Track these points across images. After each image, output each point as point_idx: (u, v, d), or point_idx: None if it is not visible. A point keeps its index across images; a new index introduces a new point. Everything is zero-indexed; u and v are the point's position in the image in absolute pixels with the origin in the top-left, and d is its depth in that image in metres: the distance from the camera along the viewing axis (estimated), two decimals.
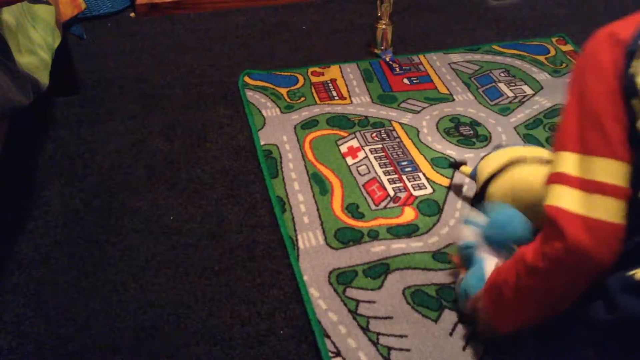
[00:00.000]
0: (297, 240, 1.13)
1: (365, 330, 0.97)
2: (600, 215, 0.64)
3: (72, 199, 1.23)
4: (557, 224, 0.65)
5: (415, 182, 1.27)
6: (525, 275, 0.74)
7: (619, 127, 0.65)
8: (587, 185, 0.65)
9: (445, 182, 1.27)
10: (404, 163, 1.32)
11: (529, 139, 1.40)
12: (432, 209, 1.20)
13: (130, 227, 1.16)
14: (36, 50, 1.12)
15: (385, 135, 1.41)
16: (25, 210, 1.20)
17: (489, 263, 0.91)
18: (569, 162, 0.67)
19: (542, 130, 1.43)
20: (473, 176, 1.18)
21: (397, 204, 1.21)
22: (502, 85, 1.60)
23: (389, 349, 0.94)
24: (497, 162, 1.09)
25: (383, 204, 1.21)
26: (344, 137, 1.40)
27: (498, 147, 1.17)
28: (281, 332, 0.97)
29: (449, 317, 0.99)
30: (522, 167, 1.05)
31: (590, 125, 0.67)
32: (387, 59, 1.70)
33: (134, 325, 0.98)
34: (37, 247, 1.12)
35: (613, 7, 2.03)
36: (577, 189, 0.66)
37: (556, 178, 0.68)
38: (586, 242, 0.64)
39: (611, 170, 0.65)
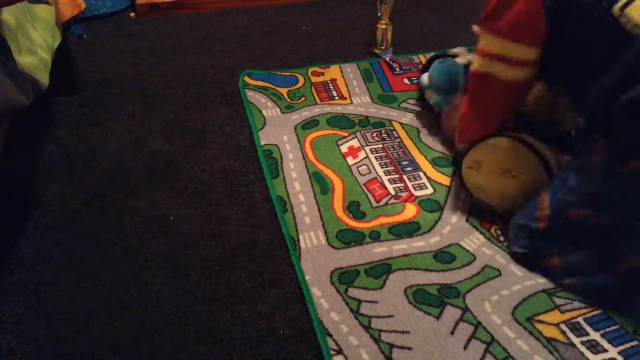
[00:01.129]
0: (298, 240, 1.12)
1: (367, 328, 0.96)
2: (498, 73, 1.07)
3: (72, 199, 1.23)
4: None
5: (416, 182, 1.26)
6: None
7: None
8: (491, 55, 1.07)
9: (447, 181, 1.27)
10: (404, 163, 1.32)
11: None
12: (433, 207, 1.20)
13: (130, 227, 1.16)
14: (36, 50, 1.12)
15: (385, 135, 1.41)
16: (25, 210, 1.20)
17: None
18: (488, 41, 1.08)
19: None
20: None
21: (398, 201, 1.21)
22: None
23: (391, 346, 0.93)
24: None
25: (384, 201, 1.21)
26: (345, 137, 1.40)
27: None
28: (281, 332, 0.97)
29: (451, 315, 0.98)
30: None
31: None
32: (387, 59, 1.70)
33: (134, 325, 0.98)
34: (37, 247, 1.12)
35: None
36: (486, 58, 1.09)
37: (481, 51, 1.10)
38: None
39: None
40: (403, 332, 0.96)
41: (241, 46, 1.81)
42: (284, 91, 1.57)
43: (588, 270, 0.98)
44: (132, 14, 1.98)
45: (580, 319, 0.98)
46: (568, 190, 0.98)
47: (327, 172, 1.29)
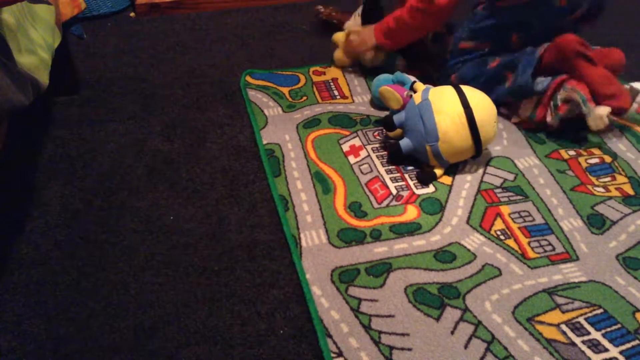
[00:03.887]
0: (299, 238, 1.12)
1: (367, 328, 0.96)
2: None
3: (72, 199, 1.23)
4: None
5: (418, 181, 1.26)
6: (408, 14, 1.45)
7: None
8: None
9: (448, 180, 1.27)
10: (406, 161, 1.32)
11: (530, 135, 1.40)
12: (434, 207, 1.20)
13: (130, 227, 1.16)
14: (36, 50, 1.12)
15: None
16: (25, 210, 1.20)
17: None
18: None
19: None
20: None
21: (399, 202, 1.20)
22: None
23: (391, 348, 0.93)
24: None
25: (385, 202, 1.20)
26: (346, 136, 1.39)
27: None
28: (281, 332, 0.97)
29: (451, 315, 0.98)
30: None
31: None
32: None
33: (134, 325, 0.98)
34: (37, 247, 1.12)
35: (612, 6, 2.02)
36: None
37: None
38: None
39: None
40: (403, 335, 0.95)
41: (241, 46, 1.81)
42: (285, 90, 1.57)
43: (472, 79, 1.43)
44: (132, 14, 1.98)
45: (581, 319, 0.98)
46: (461, 29, 1.48)
47: (329, 171, 1.29)
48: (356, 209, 1.19)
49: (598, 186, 1.26)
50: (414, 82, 1.36)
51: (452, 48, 1.50)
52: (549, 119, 1.37)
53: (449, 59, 1.51)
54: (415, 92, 1.31)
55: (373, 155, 1.33)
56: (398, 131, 1.32)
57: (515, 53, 1.40)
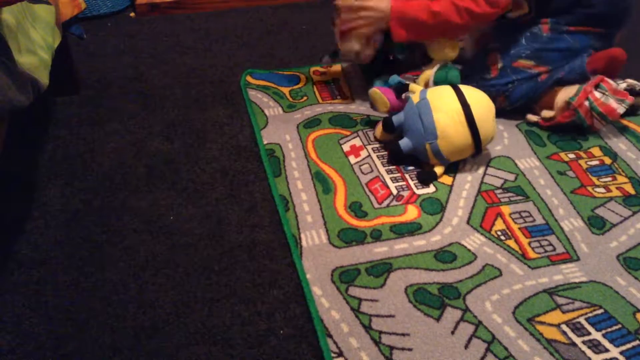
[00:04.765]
0: (300, 238, 1.12)
1: (367, 328, 0.96)
2: None
3: (72, 199, 1.23)
4: None
5: (418, 181, 1.26)
6: (454, 12, 1.29)
7: None
8: None
9: (449, 180, 1.26)
10: (406, 161, 1.32)
11: (530, 136, 1.40)
12: (435, 207, 1.20)
13: (130, 227, 1.16)
14: (36, 50, 1.12)
15: None
16: (25, 210, 1.20)
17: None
18: None
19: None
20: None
21: (400, 202, 1.20)
22: None
23: (391, 348, 0.93)
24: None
25: (386, 202, 1.20)
26: (347, 136, 1.39)
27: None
28: (281, 332, 0.97)
29: (451, 315, 0.98)
30: None
31: None
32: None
33: (133, 325, 0.98)
34: (37, 247, 1.11)
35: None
36: None
37: None
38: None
39: None
40: (403, 335, 0.95)
41: (241, 46, 1.81)
42: (286, 90, 1.57)
43: (524, 96, 1.40)
44: (132, 14, 1.98)
45: (581, 319, 0.98)
46: (517, 47, 1.39)
47: (329, 171, 1.29)
48: (356, 209, 1.19)
49: (599, 186, 1.26)
50: (411, 83, 1.37)
51: (502, 64, 1.40)
52: (598, 125, 1.37)
53: (495, 77, 1.40)
54: (412, 92, 1.31)
55: (373, 155, 1.33)
56: (388, 137, 1.34)
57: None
